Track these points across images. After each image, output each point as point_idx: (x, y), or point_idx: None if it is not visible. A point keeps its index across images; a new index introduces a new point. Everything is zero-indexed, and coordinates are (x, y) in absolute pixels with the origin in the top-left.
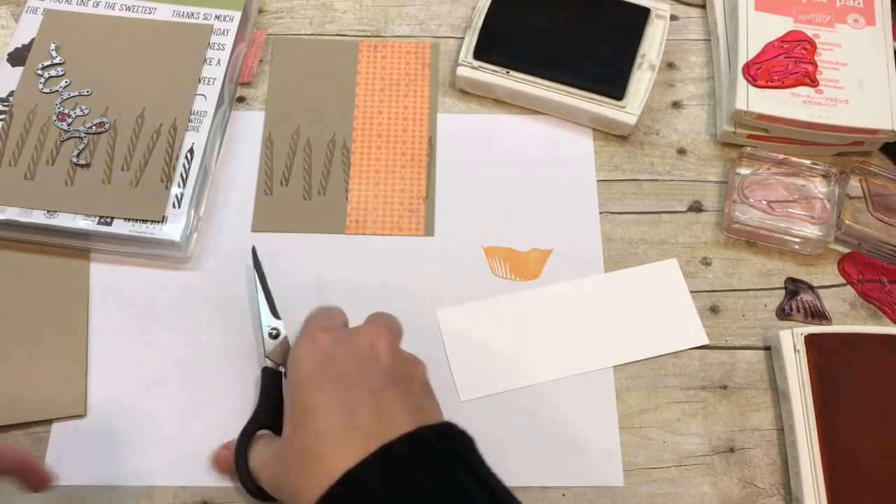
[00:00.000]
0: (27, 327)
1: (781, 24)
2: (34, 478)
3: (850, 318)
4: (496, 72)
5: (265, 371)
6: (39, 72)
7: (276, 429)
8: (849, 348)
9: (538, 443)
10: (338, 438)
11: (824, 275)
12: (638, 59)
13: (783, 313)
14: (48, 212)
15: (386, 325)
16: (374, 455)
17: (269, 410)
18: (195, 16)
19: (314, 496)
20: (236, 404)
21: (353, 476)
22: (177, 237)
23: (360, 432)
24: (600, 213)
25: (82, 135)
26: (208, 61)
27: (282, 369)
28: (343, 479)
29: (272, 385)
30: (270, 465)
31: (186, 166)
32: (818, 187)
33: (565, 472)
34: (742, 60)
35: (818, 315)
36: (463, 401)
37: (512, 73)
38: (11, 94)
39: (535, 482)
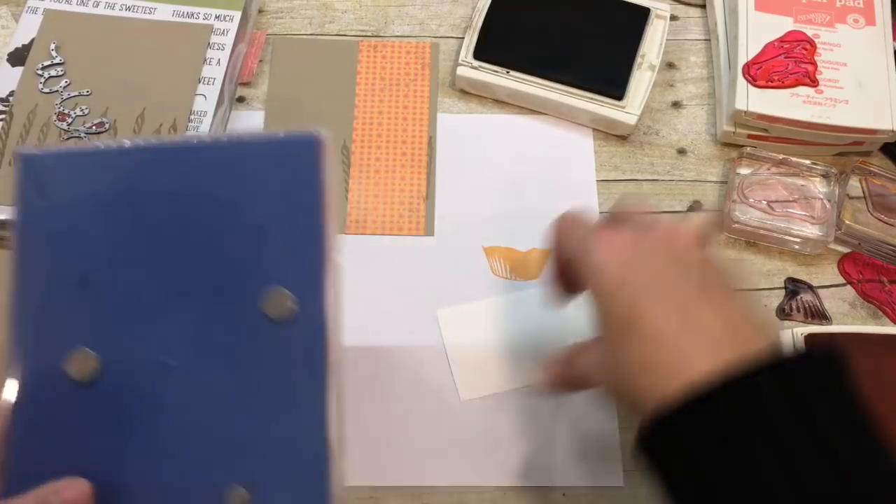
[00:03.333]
0: None
1: (781, 24)
2: None
3: (850, 318)
4: (496, 72)
5: None
6: (39, 72)
7: None
8: (849, 348)
9: (538, 443)
10: (681, 341)
11: (824, 275)
12: (638, 59)
13: (783, 313)
14: None
15: (682, 225)
16: (764, 362)
17: None
18: (195, 16)
19: (671, 392)
20: None
21: (743, 380)
22: None
23: (706, 337)
24: (600, 213)
25: (82, 135)
26: (208, 61)
27: None
28: (732, 383)
29: None
30: (603, 370)
31: None
32: (818, 187)
33: (565, 472)
34: (742, 60)
35: (818, 315)
36: (463, 401)
37: (512, 73)
38: (11, 94)
39: (535, 482)
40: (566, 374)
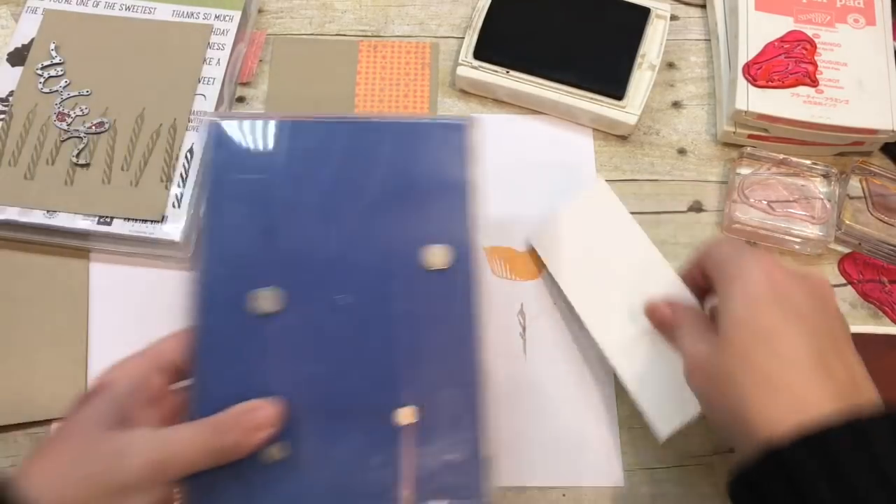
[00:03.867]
0: (27, 327)
1: (781, 24)
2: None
3: (850, 318)
4: (496, 72)
5: None
6: (39, 72)
7: None
8: None
9: (538, 443)
10: (810, 376)
11: (824, 275)
12: (638, 59)
13: None
14: (48, 212)
15: (827, 280)
16: (880, 413)
17: None
18: (195, 16)
19: (786, 425)
20: None
21: (856, 426)
22: (177, 237)
23: (833, 380)
24: None
25: (82, 135)
26: (208, 61)
27: None
28: (844, 426)
29: None
30: (705, 363)
31: (186, 166)
32: (818, 187)
33: (565, 472)
34: (742, 60)
35: None
36: None
37: (512, 73)
38: (11, 94)
39: (535, 482)
40: (667, 322)
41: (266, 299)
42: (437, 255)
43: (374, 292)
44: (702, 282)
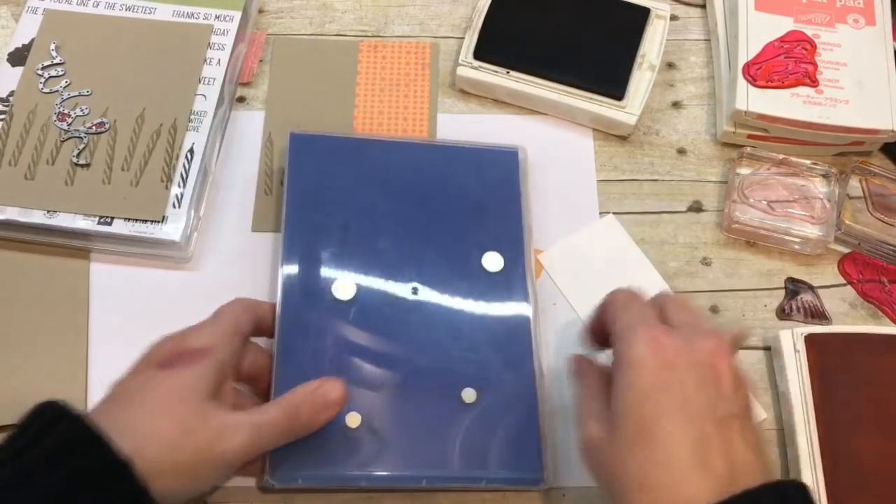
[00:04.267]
0: (27, 327)
1: (781, 24)
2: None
3: (850, 318)
4: (496, 72)
5: None
6: (39, 72)
7: None
8: (849, 348)
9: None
10: (687, 475)
11: (824, 275)
12: (638, 59)
13: (783, 313)
14: (48, 212)
15: (728, 340)
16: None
17: None
18: (195, 16)
19: None
20: None
21: None
22: (177, 237)
23: (710, 473)
24: (600, 213)
25: (82, 135)
26: (208, 61)
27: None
28: None
29: None
30: (602, 451)
31: (186, 166)
32: (818, 187)
33: (565, 472)
34: (742, 60)
35: (818, 315)
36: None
37: (512, 73)
38: (11, 94)
39: None
40: (580, 372)
41: (342, 287)
42: (493, 260)
43: (439, 288)
44: (601, 337)
